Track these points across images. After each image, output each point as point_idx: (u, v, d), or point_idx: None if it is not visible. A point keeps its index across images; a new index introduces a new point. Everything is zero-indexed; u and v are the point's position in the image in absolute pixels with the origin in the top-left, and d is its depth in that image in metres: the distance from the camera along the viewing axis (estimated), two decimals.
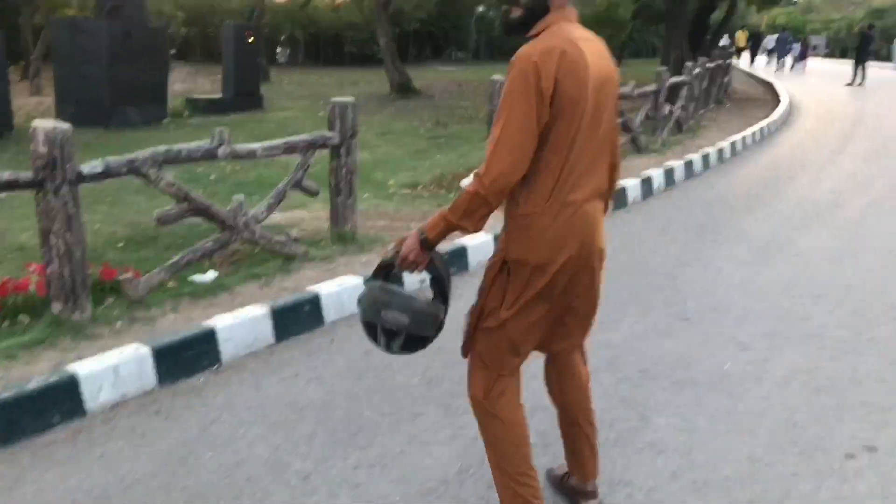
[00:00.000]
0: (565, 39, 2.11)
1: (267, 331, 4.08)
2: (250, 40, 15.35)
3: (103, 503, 2.73)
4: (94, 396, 3.34)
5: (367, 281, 2.46)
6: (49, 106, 13.37)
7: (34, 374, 3.37)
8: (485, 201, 2.10)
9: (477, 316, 2.36)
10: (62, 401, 3.26)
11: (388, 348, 2.38)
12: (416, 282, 2.80)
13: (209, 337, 3.82)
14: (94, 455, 3.02)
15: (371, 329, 2.38)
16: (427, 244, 2.24)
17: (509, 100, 2.06)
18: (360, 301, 2.40)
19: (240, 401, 3.48)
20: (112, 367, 3.42)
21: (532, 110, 2.05)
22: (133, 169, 4.13)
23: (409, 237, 2.26)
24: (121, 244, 5.48)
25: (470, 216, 2.14)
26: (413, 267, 2.27)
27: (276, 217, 5.59)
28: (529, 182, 2.17)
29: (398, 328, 2.33)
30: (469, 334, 2.39)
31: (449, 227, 2.18)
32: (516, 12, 2.18)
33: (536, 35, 2.15)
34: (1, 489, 2.81)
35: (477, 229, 2.18)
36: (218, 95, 15.68)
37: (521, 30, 2.19)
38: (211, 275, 4.72)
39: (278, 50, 31.98)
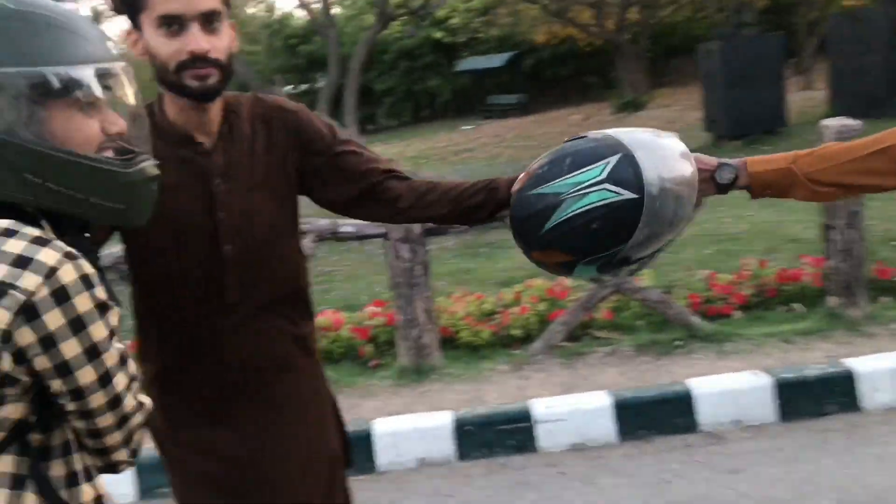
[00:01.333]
0: None
1: None
2: None
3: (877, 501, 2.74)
4: (871, 395, 3.35)
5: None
6: (819, 100, 13.58)
7: (809, 361, 3.57)
8: None
9: None
10: (837, 392, 3.37)
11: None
12: None
13: None
14: (868, 452, 3.05)
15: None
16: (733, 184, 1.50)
17: None
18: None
19: None
20: (891, 368, 3.37)
21: None
22: None
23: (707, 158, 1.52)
24: (894, 242, 5.29)
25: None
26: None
27: None
28: None
29: None
30: None
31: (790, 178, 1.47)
32: None
33: None
34: (780, 459, 3.09)
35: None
36: None
37: None
38: None
39: None
